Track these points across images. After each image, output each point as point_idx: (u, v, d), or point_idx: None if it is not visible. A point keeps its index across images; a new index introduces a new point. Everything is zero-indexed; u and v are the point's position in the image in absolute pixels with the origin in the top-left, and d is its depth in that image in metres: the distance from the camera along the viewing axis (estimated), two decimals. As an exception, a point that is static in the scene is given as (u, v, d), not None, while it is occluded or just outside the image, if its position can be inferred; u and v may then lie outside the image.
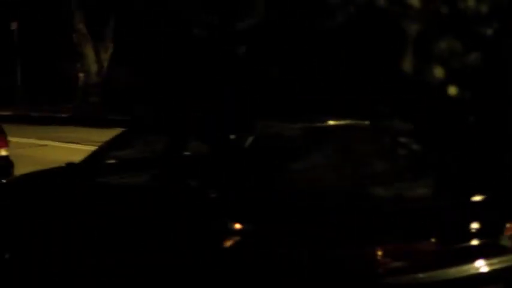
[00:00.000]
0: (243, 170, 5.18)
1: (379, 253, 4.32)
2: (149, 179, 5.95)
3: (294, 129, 5.55)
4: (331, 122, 5.64)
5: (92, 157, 6.11)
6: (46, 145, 16.20)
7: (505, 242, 4.67)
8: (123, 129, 6.25)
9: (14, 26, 26.80)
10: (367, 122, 5.74)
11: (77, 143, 15.91)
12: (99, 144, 6.38)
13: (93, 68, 25.39)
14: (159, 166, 5.96)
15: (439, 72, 5.58)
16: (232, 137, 5.44)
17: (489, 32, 5.76)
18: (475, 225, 4.60)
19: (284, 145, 5.41)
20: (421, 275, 4.39)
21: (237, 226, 4.88)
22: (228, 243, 4.83)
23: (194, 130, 5.86)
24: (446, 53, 5.62)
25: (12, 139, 16.84)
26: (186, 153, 6.10)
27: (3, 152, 10.39)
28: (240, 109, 5.90)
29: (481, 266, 4.55)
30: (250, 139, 5.27)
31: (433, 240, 4.47)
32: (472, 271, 4.52)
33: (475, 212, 4.74)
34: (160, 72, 23.65)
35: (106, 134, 7.28)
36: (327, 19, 6.30)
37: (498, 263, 4.60)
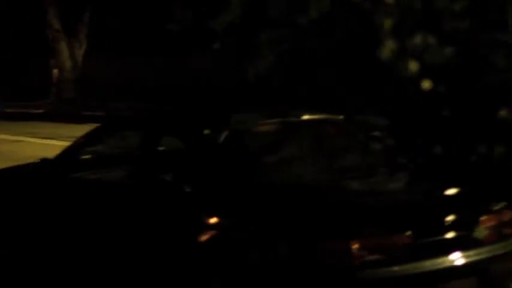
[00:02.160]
0: (218, 165, 5.18)
1: (355, 246, 4.34)
2: (124, 175, 5.94)
3: (269, 124, 5.56)
4: (306, 117, 5.66)
5: (66, 152, 6.09)
6: (20, 141, 16.09)
7: (479, 234, 4.70)
8: (97, 124, 6.23)
9: (-14, 21, 26.58)
10: (341, 117, 5.76)
11: (52, 138, 15.81)
12: (74, 139, 6.36)
13: (68, 64, 25.24)
14: (134, 161, 5.95)
15: (413, 66, 5.60)
16: (207, 132, 5.44)
17: (463, 26, 5.78)
18: (450, 218, 4.62)
19: (259, 139, 5.41)
20: (396, 268, 4.41)
21: (213, 220, 4.88)
22: (204, 238, 4.83)
23: (169, 125, 5.85)
24: (421, 48, 5.64)
25: (-15, 135, 16.75)
26: (161, 148, 6.09)
27: (-23, 148, 10.31)
28: (215, 104, 5.90)
29: (456, 258, 4.58)
30: (225, 134, 5.27)
31: (408, 233, 4.48)
32: (447, 264, 4.55)
33: (450, 205, 4.76)
34: (135, 67, 23.58)
35: (80, 130, 7.25)
36: (299, 15, 6.29)
37: (473, 255, 4.63)
